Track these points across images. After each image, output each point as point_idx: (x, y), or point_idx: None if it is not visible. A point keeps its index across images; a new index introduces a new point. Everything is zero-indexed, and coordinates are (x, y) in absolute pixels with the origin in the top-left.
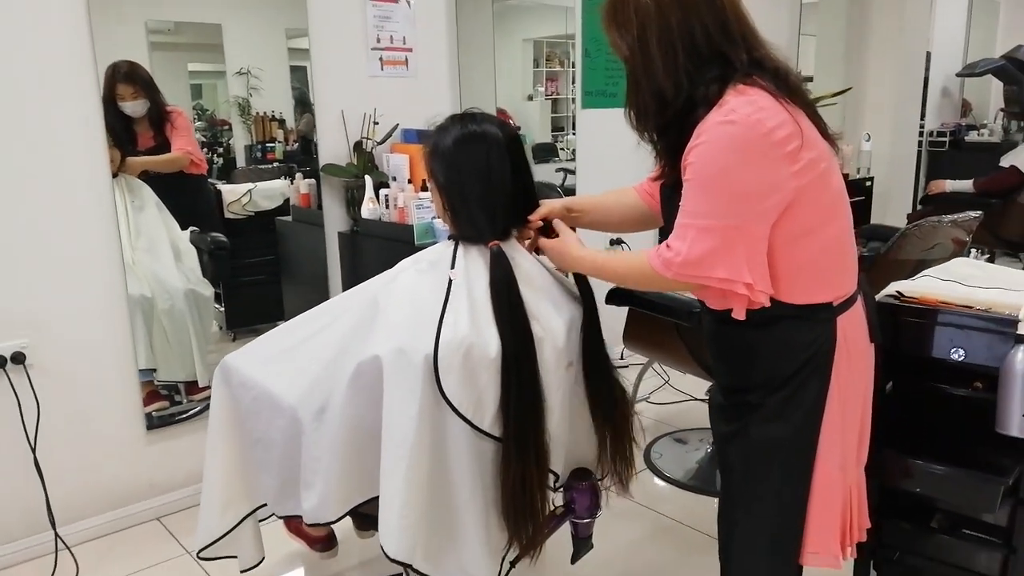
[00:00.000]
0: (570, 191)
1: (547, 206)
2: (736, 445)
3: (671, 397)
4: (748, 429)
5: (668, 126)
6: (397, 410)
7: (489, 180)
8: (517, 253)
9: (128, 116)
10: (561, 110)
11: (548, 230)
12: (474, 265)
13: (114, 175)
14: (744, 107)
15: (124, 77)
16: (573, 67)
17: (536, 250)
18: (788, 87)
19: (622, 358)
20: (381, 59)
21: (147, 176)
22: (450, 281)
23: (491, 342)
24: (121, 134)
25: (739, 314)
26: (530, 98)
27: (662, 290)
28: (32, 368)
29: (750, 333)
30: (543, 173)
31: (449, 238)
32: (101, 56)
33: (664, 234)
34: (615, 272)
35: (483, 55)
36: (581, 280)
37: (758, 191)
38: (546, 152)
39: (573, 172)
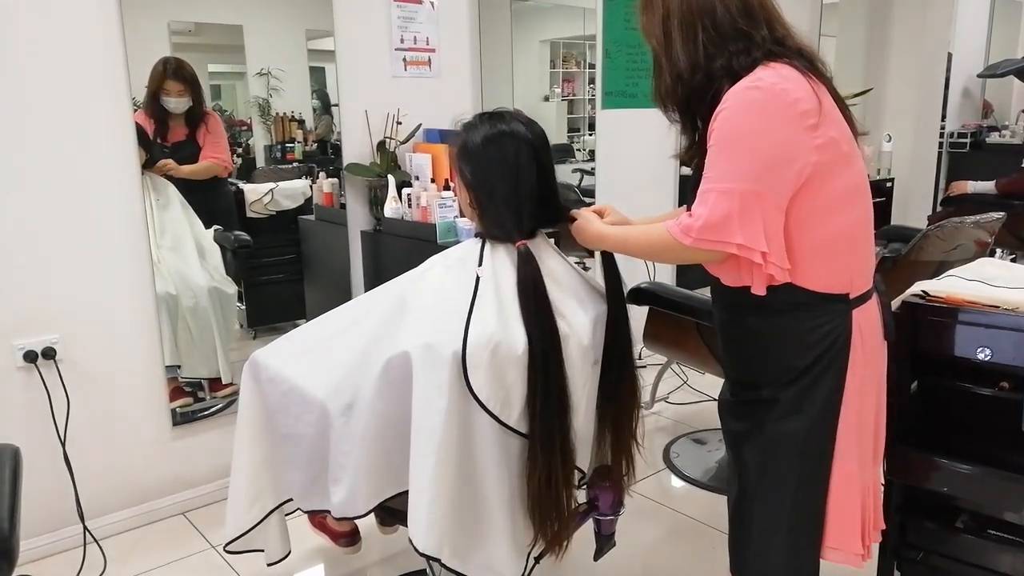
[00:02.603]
0: (588, 192)
1: (595, 207)
2: (750, 443)
3: (690, 397)
4: (763, 426)
5: (688, 102)
6: (426, 404)
7: (517, 179)
8: (543, 252)
9: (167, 111)
10: (577, 111)
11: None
12: (501, 263)
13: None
14: (770, 76)
15: (173, 73)
16: (590, 68)
17: (557, 241)
18: (814, 67)
19: (640, 358)
20: (405, 60)
21: (172, 175)
22: (477, 278)
23: (518, 340)
24: (156, 127)
25: (758, 288)
26: (546, 99)
27: (681, 261)
28: (62, 363)
29: (763, 322)
30: (560, 174)
31: (476, 236)
32: (130, 57)
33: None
34: (637, 243)
35: (501, 56)
36: (611, 275)
37: (779, 156)
38: (562, 153)
39: (591, 172)
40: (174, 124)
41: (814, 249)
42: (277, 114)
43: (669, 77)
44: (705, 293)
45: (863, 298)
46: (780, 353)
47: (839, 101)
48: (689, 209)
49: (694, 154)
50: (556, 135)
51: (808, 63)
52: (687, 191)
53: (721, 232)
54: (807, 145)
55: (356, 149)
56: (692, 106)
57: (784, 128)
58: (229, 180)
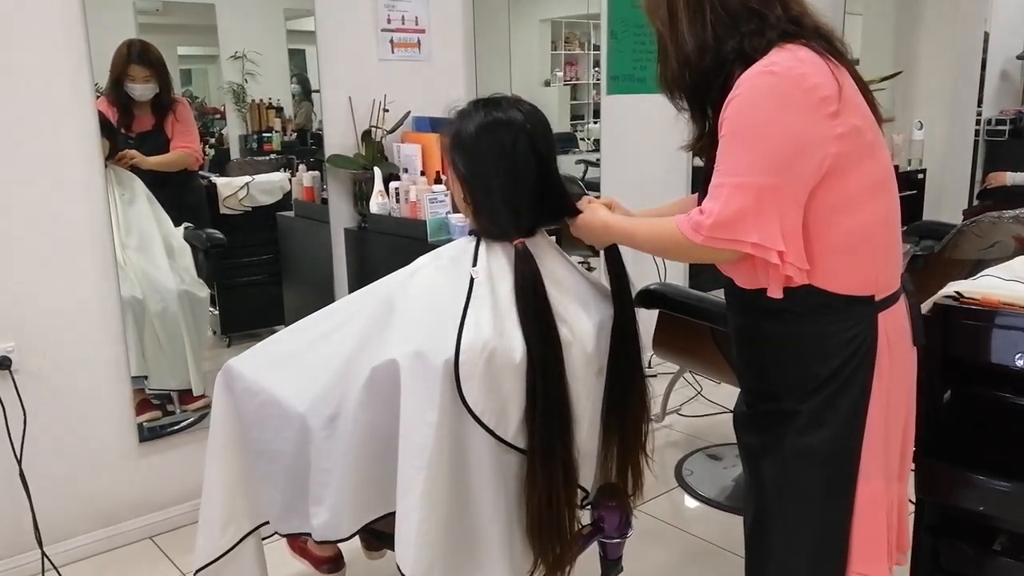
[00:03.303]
0: (592, 185)
1: (599, 200)
2: (769, 459)
3: (704, 409)
4: (782, 440)
5: (696, 88)
6: (415, 418)
7: (515, 171)
8: (543, 251)
9: (131, 98)
10: (581, 96)
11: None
12: (497, 263)
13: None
14: (786, 60)
15: (138, 57)
16: (595, 50)
17: (559, 240)
18: (833, 48)
19: (650, 366)
20: (392, 41)
21: (137, 167)
22: (472, 280)
23: (516, 346)
24: (120, 115)
25: (775, 291)
26: (547, 83)
27: (691, 260)
28: (18, 374)
29: (781, 327)
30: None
31: (470, 234)
32: (91, 40)
33: None
34: (646, 238)
35: (498, 37)
36: (617, 276)
37: (796, 147)
38: (565, 142)
39: (595, 164)
40: (140, 112)
41: (835, 248)
42: (253, 101)
43: (675, 61)
44: (720, 295)
45: (890, 300)
46: (800, 361)
47: (861, 86)
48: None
49: (704, 144)
50: (558, 123)
51: (827, 44)
52: (700, 184)
53: (735, 230)
54: (827, 134)
55: (339, 139)
56: (701, 93)
57: (802, 116)
58: (200, 173)
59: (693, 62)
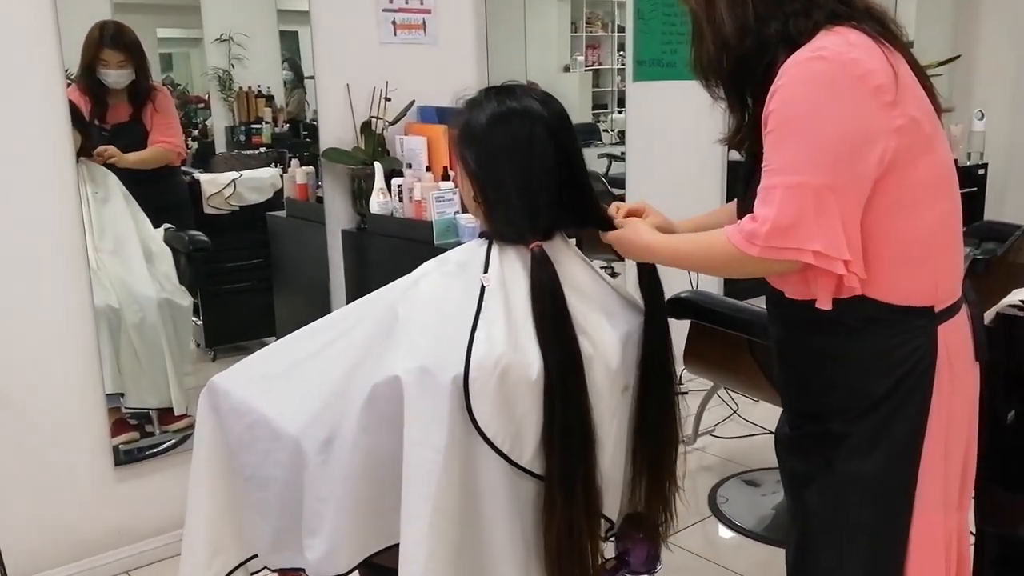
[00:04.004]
0: (617, 181)
1: (642, 202)
2: (815, 486)
3: (740, 430)
4: (830, 466)
5: (735, 74)
6: (420, 441)
7: (530, 166)
8: (562, 255)
9: (105, 86)
10: (604, 83)
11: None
12: (511, 269)
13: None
14: (837, 44)
15: (112, 40)
16: (620, 32)
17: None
18: (887, 31)
19: (681, 382)
20: (394, 22)
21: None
22: (483, 287)
23: (532, 361)
24: (93, 105)
25: (824, 303)
26: (567, 69)
27: (745, 275)
28: None
29: (830, 342)
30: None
31: (480, 236)
32: (62, 22)
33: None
34: (693, 256)
35: (512, 17)
36: (649, 282)
37: (855, 140)
38: (587, 134)
39: (620, 158)
40: (115, 102)
41: (892, 254)
42: (240, 89)
43: (712, 44)
44: (758, 303)
45: (950, 311)
46: (851, 379)
47: (919, 72)
48: (742, 208)
49: (744, 137)
50: (579, 113)
51: (879, 26)
52: (739, 182)
53: (794, 237)
54: (885, 126)
55: (336, 131)
56: (740, 79)
57: (858, 105)
58: (182, 169)
59: (732, 45)
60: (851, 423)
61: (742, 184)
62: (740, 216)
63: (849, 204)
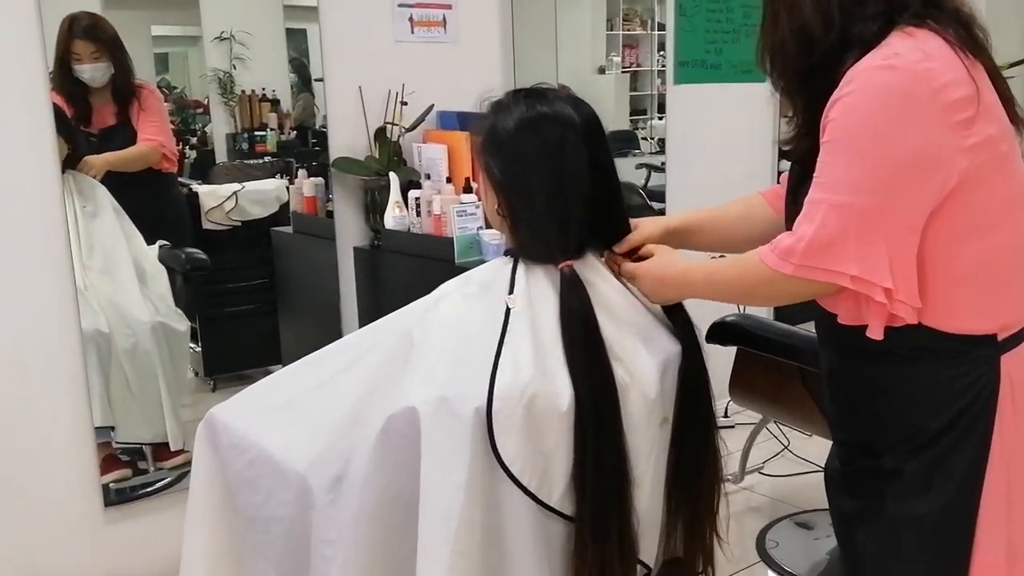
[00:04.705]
0: (656, 194)
1: (640, 232)
2: (866, 527)
3: (792, 467)
4: (882, 505)
5: (811, 73)
6: (439, 478)
7: (561, 177)
8: (595, 274)
9: (84, 85)
10: (643, 87)
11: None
12: (539, 289)
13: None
14: (911, 51)
15: (83, 32)
16: (659, 30)
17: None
18: (971, 38)
19: (726, 415)
20: (411, 19)
21: (92, 165)
22: (508, 310)
23: (562, 390)
24: (74, 108)
25: (875, 332)
26: (601, 71)
27: (781, 301)
28: None
29: (884, 372)
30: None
31: (505, 254)
32: (46, 15)
33: None
34: (728, 282)
35: (542, 13)
36: (672, 308)
37: (917, 162)
38: (623, 142)
39: (660, 168)
40: (99, 103)
41: (955, 281)
42: (243, 92)
43: (791, 35)
44: (811, 329)
45: (1015, 339)
46: (906, 412)
47: (999, 82)
48: (791, 216)
49: (805, 145)
50: (615, 119)
51: (964, 32)
52: (789, 192)
53: (831, 258)
54: (954, 147)
55: (347, 138)
56: (817, 80)
57: (927, 124)
58: (179, 180)
59: (818, 38)
60: (905, 459)
61: (790, 194)
62: (789, 226)
63: (901, 229)
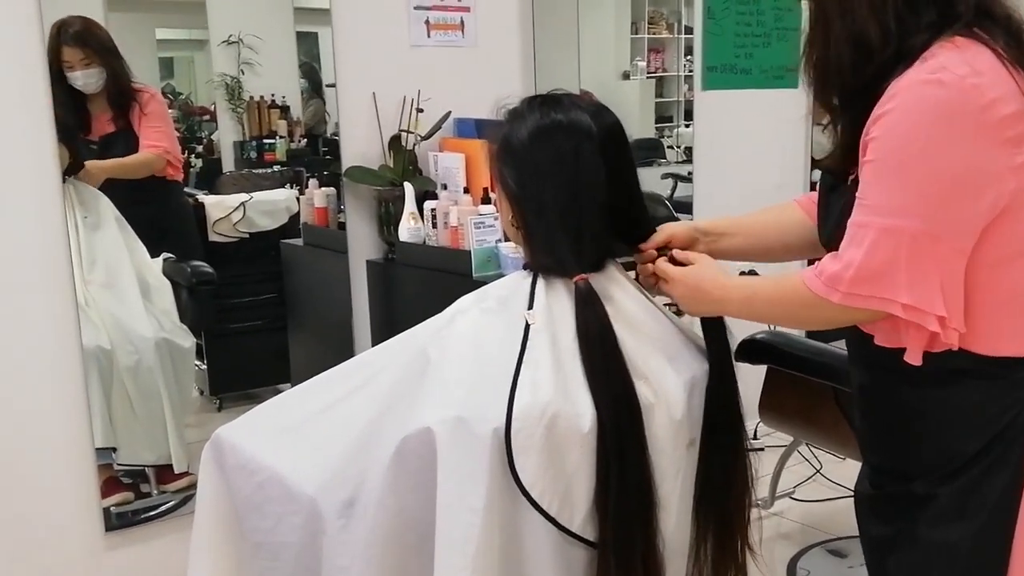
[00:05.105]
0: (683, 206)
1: (667, 230)
2: (898, 554)
3: (824, 492)
4: (914, 531)
5: (866, 87)
6: (455, 502)
7: (576, 189)
8: (616, 288)
9: (79, 92)
10: (669, 93)
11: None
12: (559, 305)
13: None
14: (958, 66)
15: (73, 38)
16: (687, 33)
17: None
18: (1020, 49)
19: (756, 437)
20: (427, 22)
21: (104, 183)
22: (527, 326)
23: (584, 411)
24: (69, 117)
25: (914, 357)
26: (626, 76)
27: (823, 326)
28: None
29: (919, 393)
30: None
31: (525, 268)
32: (47, 17)
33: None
34: (769, 303)
35: (562, 16)
36: (710, 321)
37: (965, 185)
38: (648, 151)
39: (687, 179)
40: (97, 110)
41: (997, 304)
42: (251, 98)
43: (847, 46)
44: (844, 347)
45: None
46: (938, 435)
47: None
48: (828, 236)
49: (847, 164)
50: (639, 127)
51: (1014, 42)
52: (822, 204)
53: (881, 286)
54: (1004, 165)
55: (360, 147)
56: (869, 92)
57: (975, 143)
58: (185, 190)
59: (875, 50)
60: (938, 484)
61: (822, 198)
62: (826, 244)
63: (951, 253)
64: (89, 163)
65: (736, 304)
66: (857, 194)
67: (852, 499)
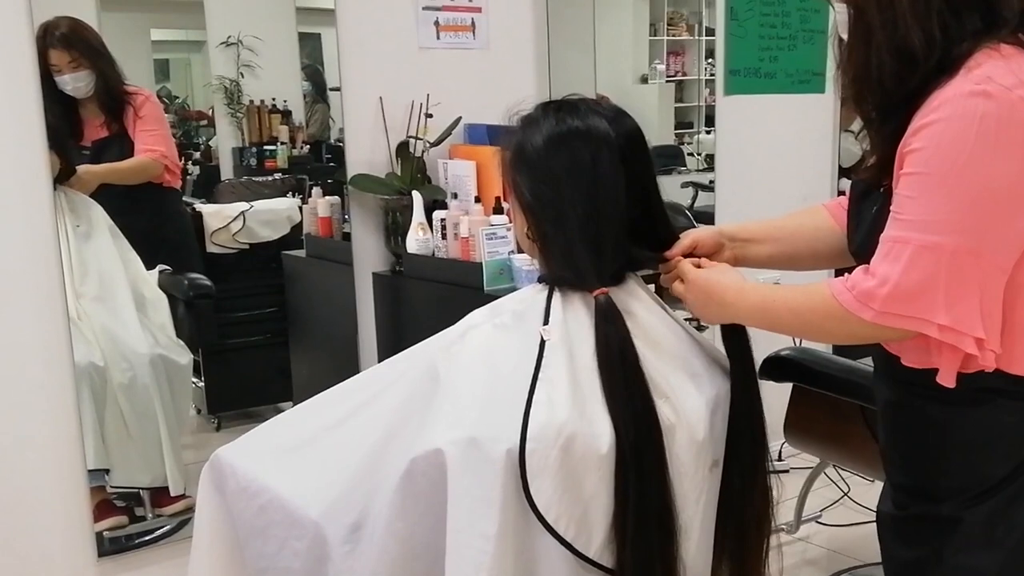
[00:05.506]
0: (704, 216)
1: (692, 235)
2: None
3: (852, 516)
4: (939, 556)
5: (907, 98)
6: (467, 528)
7: (595, 198)
8: (636, 302)
9: (69, 97)
10: (689, 97)
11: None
12: (576, 320)
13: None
14: (1004, 76)
15: (59, 40)
16: (708, 36)
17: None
18: None
19: (780, 458)
20: (437, 23)
21: (97, 190)
22: (543, 342)
23: (602, 431)
24: (59, 122)
25: (947, 379)
26: (644, 80)
27: (850, 340)
28: None
29: (948, 412)
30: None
31: (539, 280)
32: (37, 18)
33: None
34: (791, 312)
35: (578, 17)
36: (734, 336)
37: (1011, 201)
38: (668, 158)
39: (708, 187)
40: (88, 114)
41: None
42: (251, 102)
43: (889, 55)
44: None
45: None
46: (969, 456)
47: None
48: (859, 247)
49: (882, 176)
50: (658, 133)
51: None
52: (854, 215)
53: (918, 305)
54: None
55: (366, 154)
56: (912, 102)
57: (1021, 157)
58: (183, 198)
59: (920, 60)
60: (964, 507)
61: (853, 206)
62: (855, 253)
63: (992, 271)
64: (81, 168)
65: (752, 310)
66: (893, 207)
67: None
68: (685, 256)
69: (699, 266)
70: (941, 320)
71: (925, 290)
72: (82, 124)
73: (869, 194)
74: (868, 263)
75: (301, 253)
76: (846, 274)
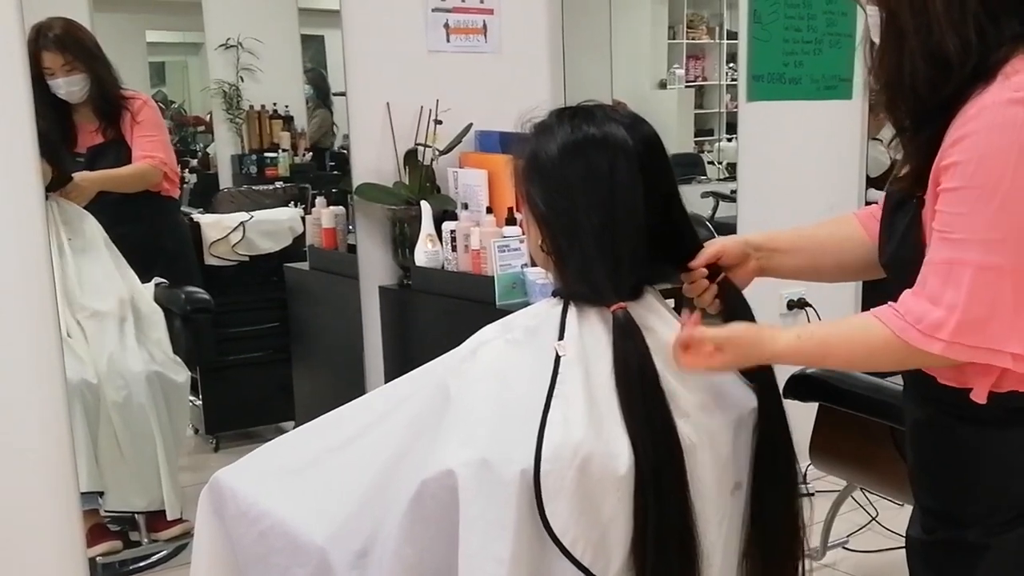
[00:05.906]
0: (725, 227)
1: (716, 245)
2: None
3: (880, 542)
4: None
5: (942, 105)
6: (479, 552)
7: (612, 209)
8: (655, 318)
9: (62, 102)
10: (710, 103)
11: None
12: (592, 336)
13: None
14: None
15: (52, 43)
16: (730, 39)
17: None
18: None
19: (806, 481)
20: (447, 25)
21: (92, 199)
22: (558, 358)
23: (620, 451)
24: (52, 128)
25: (980, 395)
26: (663, 85)
27: (899, 369)
28: None
29: (979, 434)
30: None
31: (553, 295)
32: (28, 19)
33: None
34: (838, 350)
35: (594, 20)
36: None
37: None
38: (687, 167)
39: (729, 198)
40: (83, 120)
41: None
42: (251, 108)
43: (923, 61)
44: (897, 381)
45: None
46: (999, 479)
47: None
48: (896, 266)
49: (917, 189)
50: (677, 140)
51: None
52: (885, 228)
53: (989, 335)
54: None
55: (372, 162)
56: (947, 110)
57: None
58: (180, 208)
59: (955, 65)
60: (991, 532)
61: (898, 233)
62: (886, 267)
63: None
64: (79, 175)
65: (792, 354)
66: (938, 225)
67: None
68: (709, 267)
69: (724, 283)
70: (1014, 349)
71: (993, 317)
72: (75, 130)
73: (903, 205)
74: (896, 276)
75: (304, 266)
76: (891, 306)
